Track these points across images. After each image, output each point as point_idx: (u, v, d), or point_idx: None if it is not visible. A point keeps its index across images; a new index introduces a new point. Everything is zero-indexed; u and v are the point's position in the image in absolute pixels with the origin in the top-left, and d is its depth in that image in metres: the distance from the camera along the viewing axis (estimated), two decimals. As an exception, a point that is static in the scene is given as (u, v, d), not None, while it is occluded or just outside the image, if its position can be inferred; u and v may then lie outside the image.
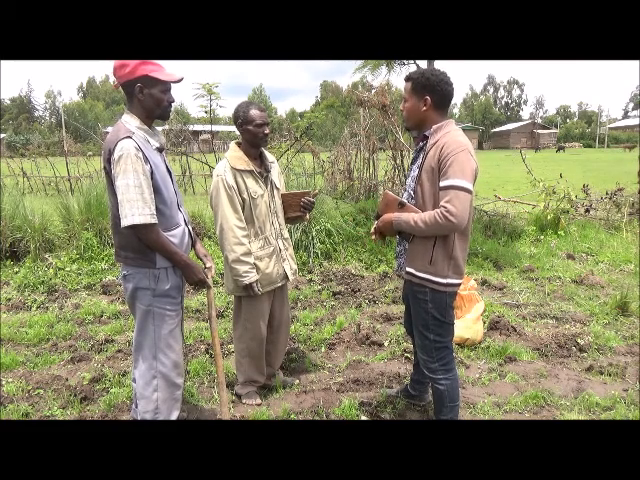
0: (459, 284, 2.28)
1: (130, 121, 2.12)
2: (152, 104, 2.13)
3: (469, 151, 2.09)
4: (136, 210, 2.00)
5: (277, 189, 2.83)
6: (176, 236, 2.21)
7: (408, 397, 2.86)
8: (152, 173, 2.08)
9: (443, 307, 2.26)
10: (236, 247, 2.59)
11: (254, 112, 2.64)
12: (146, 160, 2.06)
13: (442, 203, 2.04)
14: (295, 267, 2.96)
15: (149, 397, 2.25)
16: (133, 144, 2.02)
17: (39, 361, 3.42)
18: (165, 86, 2.14)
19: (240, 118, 2.66)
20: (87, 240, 5.52)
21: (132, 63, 2.03)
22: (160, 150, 2.22)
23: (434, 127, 2.19)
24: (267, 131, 2.68)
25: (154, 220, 2.06)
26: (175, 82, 2.16)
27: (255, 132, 2.65)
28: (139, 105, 2.12)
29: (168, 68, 2.15)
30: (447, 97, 2.22)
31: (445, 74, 2.21)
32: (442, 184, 2.06)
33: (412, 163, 2.37)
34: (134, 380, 2.34)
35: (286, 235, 2.90)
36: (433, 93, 2.17)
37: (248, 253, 2.63)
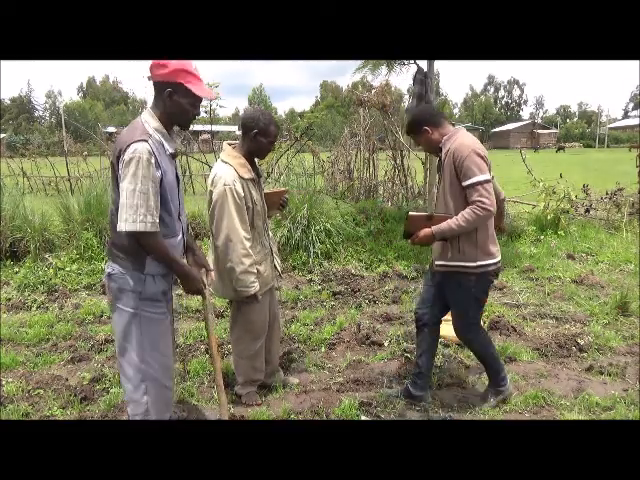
0: (495, 262, 2.60)
1: (150, 121, 2.05)
2: (177, 112, 2.07)
3: (475, 148, 2.49)
4: (137, 217, 1.94)
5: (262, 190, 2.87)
6: (172, 245, 2.15)
7: (408, 397, 2.86)
8: (161, 180, 2.03)
9: (483, 288, 2.65)
10: (245, 259, 2.59)
11: (274, 129, 2.65)
12: (157, 166, 2.00)
13: (475, 198, 2.44)
14: (279, 261, 3.04)
15: (138, 400, 2.19)
16: (147, 148, 1.96)
17: (39, 361, 3.42)
18: (196, 100, 2.08)
19: (258, 128, 2.60)
20: (87, 240, 5.51)
21: (172, 66, 1.97)
22: (173, 156, 2.16)
23: (444, 139, 2.62)
24: (271, 148, 2.77)
25: (155, 228, 2.00)
26: (208, 99, 2.11)
27: (265, 147, 2.69)
28: (164, 108, 2.06)
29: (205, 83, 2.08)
30: (435, 113, 2.69)
31: (414, 107, 2.56)
32: (466, 183, 2.47)
33: (437, 171, 2.78)
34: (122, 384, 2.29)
35: (271, 234, 2.97)
36: (426, 122, 2.64)
37: (254, 263, 2.66)
